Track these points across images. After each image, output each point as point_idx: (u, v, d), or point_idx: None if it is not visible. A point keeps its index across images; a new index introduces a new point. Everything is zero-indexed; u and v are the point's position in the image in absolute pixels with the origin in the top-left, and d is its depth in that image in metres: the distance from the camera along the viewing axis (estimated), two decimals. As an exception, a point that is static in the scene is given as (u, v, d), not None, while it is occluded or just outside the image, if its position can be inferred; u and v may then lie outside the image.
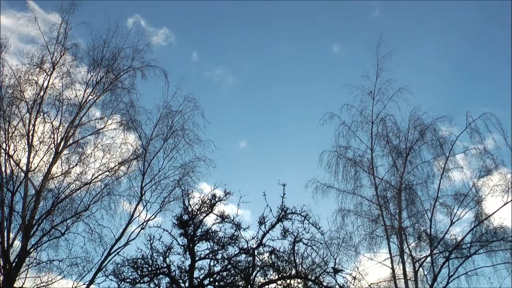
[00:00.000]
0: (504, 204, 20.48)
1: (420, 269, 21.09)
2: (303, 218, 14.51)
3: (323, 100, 45.10)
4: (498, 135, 21.31)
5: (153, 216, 21.13)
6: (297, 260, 14.59)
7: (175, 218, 14.76)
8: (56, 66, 21.91)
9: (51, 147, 20.47)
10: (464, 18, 46.42)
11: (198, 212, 14.86)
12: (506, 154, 21.12)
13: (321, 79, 48.47)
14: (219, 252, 14.79)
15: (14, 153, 19.54)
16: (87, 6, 23.38)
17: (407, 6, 47.48)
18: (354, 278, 16.20)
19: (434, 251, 21.07)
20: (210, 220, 15.07)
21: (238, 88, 49.52)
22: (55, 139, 20.59)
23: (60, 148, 20.50)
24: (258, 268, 14.61)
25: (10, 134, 19.74)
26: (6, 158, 19.30)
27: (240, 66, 51.49)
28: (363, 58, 45.45)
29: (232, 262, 14.60)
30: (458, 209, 21.34)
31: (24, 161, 19.73)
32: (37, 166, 19.99)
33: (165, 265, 14.39)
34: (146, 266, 14.45)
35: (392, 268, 21.35)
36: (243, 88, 49.58)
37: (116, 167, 21.68)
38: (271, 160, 45.25)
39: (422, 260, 21.26)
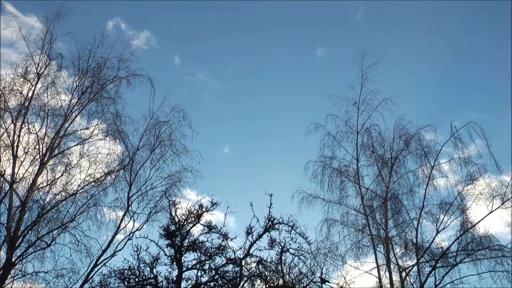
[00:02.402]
0: (490, 213, 20.69)
1: (407, 278, 21.19)
2: (290, 228, 14.55)
3: (307, 104, 45.32)
4: (482, 144, 21.61)
5: (140, 227, 21.08)
6: (284, 270, 14.60)
7: (162, 228, 14.73)
8: (41, 76, 21.80)
9: (36, 157, 20.32)
10: (449, 22, 46.96)
11: (185, 223, 14.84)
12: (489, 162, 21.44)
13: (306, 84, 48.73)
14: (206, 262, 14.75)
15: (-2, 164, 19.39)
16: (70, 11, 23.15)
17: (391, 9, 47.84)
18: (341, 287, 16.28)
19: (421, 260, 21.20)
20: (197, 230, 15.07)
21: (221, 93, 49.43)
22: (40, 150, 20.44)
23: (45, 159, 20.35)
24: (246, 278, 14.60)
25: (-5, 145, 19.60)
26: (-9, 169, 19.14)
27: (224, 70, 51.41)
28: (347, 62, 45.66)
29: (219, 272, 14.57)
30: (444, 218, 21.54)
31: (9, 172, 19.58)
32: (22, 177, 19.83)
33: (152, 276, 14.32)
34: (133, 277, 14.37)
35: (379, 277, 21.43)
36: (227, 93, 49.50)
37: (102, 178, 21.56)
38: (255, 166, 45.27)
39: (409, 269, 21.37)
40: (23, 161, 20.10)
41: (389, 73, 38.44)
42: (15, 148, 19.96)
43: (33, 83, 21.55)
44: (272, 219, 14.54)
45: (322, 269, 16.68)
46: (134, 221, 21.18)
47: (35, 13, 23.97)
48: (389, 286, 20.99)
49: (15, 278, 18.58)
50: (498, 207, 20.66)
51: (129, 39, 34.34)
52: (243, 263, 14.52)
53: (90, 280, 18.30)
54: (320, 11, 49.14)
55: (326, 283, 15.56)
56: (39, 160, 20.25)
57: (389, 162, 23.38)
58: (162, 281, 14.31)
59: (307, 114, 44.03)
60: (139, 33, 41.24)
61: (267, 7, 49.93)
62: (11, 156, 19.83)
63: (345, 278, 21.16)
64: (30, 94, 21.30)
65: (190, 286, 14.40)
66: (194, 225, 14.94)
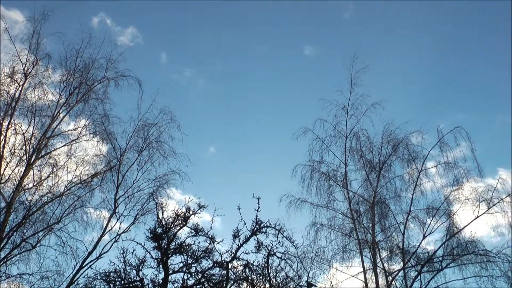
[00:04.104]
0: (475, 218, 20.81)
1: (393, 282, 21.25)
2: (277, 231, 14.54)
3: (296, 103, 45.12)
4: (469, 147, 21.77)
5: (127, 229, 20.93)
6: (271, 274, 14.61)
7: (149, 231, 14.66)
8: (28, 77, 21.64)
9: (23, 158, 20.16)
10: (438, 21, 46.99)
11: (172, 225, 14.78)
12: (474, 167, 21.61)
13: (294, 82, 48.64)
14: (192, 265, 14.70)
15: (-16, 165, 19.20)
16: (56, 10, 22.97)
17: (379, 8, 47.76)
18: (328, 291, 16.31)
19: (407, 265, 21.25)
20: (184, 233, 15.02)
21: (209, 92, 49.09)
22: (27, 150, 20.30)
23: (32, 160, 20.21)
24: (232, 282, 14.55)
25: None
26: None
27: (211, 69, 51.00)
28: (335, 61, 45.60)
29: (206, 275, 14.52)
30: (430, 223, 21.62)
31: (-6, 173, 19.42)
32: (8, 178, 19.67)
33: (138, 278, 14.24)
34: (119, 279, 14.29)
35: (365, 282, 21.44)
36: (214, 91, 49.13)
37: (89, 179, 21.43)
38: (242, 167, 44.93)
39: (395, 273, 21.43)
40: (9, 162, 19.96)
41: (378, 73, 38.32)
42: (1, 149, 19.78)
43: (20, 83, 21.39)
44: (259, 222, 14.53)
45: (308, 273, 16.77)
46: (120, 223, 21.08)
47: (19, 8, 23.77)
48: (375, 290, 21.03)
49: (-1, 280, 18.47)
50: (484, 212, 20.81)
51: (115, 36, 34.21)
52: (229, 266, 14.48)
53: (76, 283, 18.17)
54: (307, 9, 48.89)
55: (313, 287, 15.57)
56: (25, 161, 20.11)
57: (377, 166, 23.45)
58: (148, 284, 14.24)
59: (295, 113, 43.81)
60: (125, 29, 40.94)
61: (254, 5, 49.65)
62: (-3, 157, 19.67)
63: (331, 282, 21.22)
64: (17, 94, 21.14)
65: (176, 289, 14.36)
66: (181, 228, 14.90)
